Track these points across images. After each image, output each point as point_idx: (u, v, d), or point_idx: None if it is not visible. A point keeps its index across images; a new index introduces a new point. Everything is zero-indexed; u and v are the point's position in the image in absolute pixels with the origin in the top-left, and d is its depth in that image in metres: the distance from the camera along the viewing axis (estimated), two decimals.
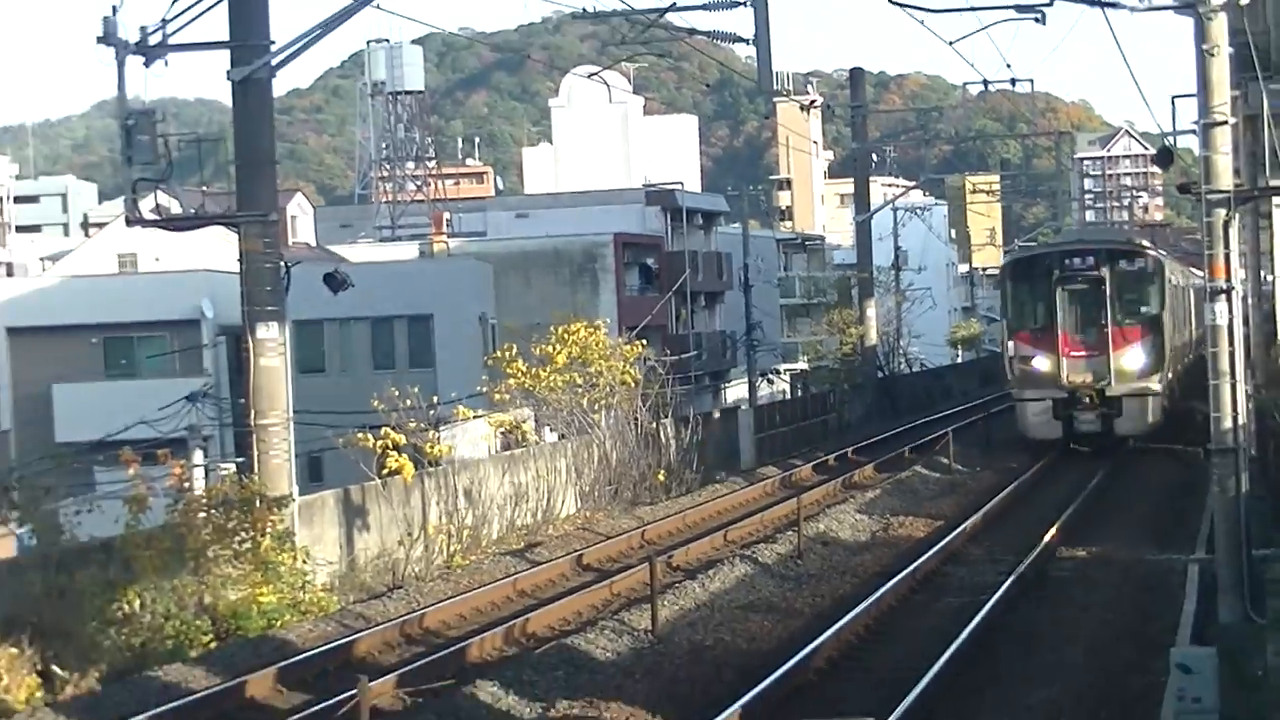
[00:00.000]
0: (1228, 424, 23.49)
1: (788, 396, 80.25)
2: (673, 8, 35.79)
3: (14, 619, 22.65)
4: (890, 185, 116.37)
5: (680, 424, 46.03)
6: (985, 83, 64.06)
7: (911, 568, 28.72)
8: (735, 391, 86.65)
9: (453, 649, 23.58)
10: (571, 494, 40.50)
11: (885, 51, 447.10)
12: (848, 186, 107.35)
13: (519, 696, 20.31)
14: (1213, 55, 23.10)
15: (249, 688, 21.47)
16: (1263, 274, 39.08)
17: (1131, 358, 45.89)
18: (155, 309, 59.71)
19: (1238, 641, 20.88)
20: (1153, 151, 72.73)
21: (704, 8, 34.82)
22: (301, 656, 23.30)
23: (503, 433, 41.60)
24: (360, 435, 33.38)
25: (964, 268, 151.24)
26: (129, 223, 30.03)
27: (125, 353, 60.46)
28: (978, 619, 23.70)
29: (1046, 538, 31.41)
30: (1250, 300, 35.22)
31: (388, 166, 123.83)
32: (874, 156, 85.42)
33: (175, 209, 30.15)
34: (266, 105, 29.27)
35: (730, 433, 52.76)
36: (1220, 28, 23.11)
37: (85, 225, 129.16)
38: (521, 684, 20.79)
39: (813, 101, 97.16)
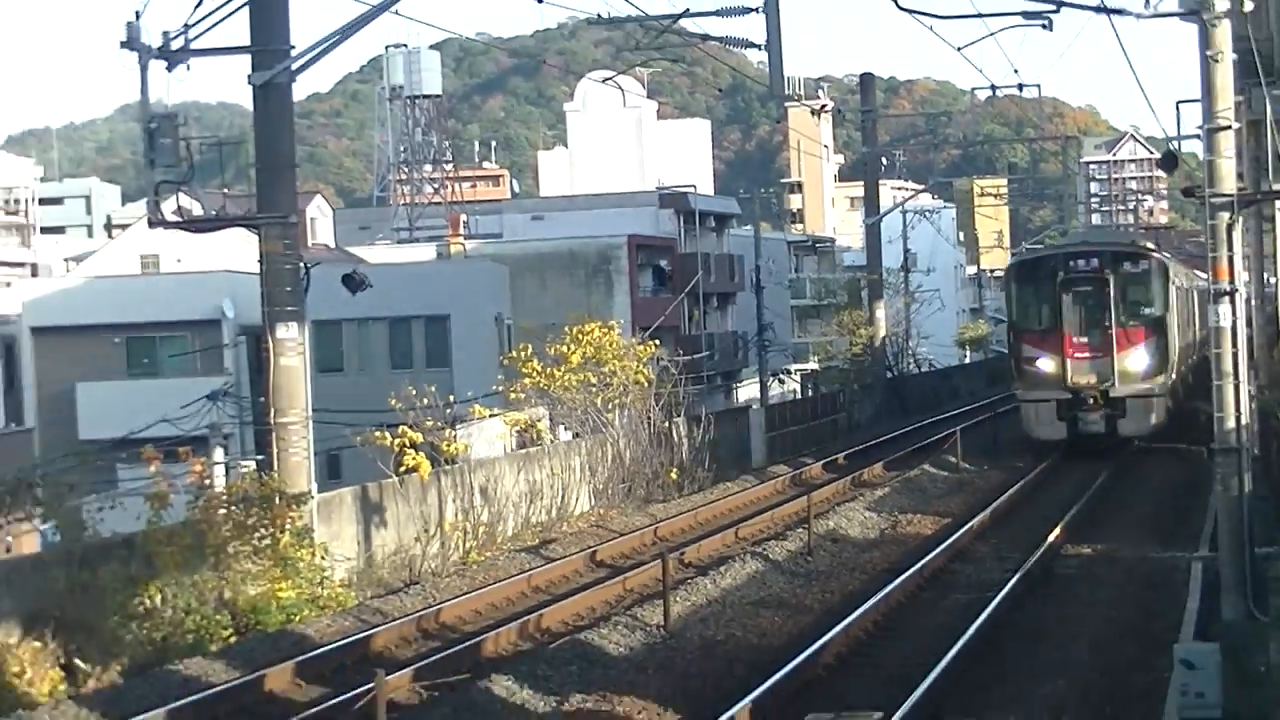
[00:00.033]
0: (1231, 424, 23.54)
1: (798, 396, 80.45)
2: (686, 14, 35.85)
3: (38, 613, 22.79)
4: (900, 188, 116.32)
5: (692, 423, 46.18)
6: (993, 88, 64.56)
7: (919, 565, 28.79)
8: (747, 391, 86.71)
9: (468, 644, 23.67)
10: (585, 491, 40.66)
11: (895, 57, 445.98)
12: (858, 190, 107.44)
13: (533, 690, 20.38)
14: (1217, 61, 23.17)
15: (268, 681, 21.57)
16: (1266, 276, 39.12)
17: (1135, 359, 45.92)
18: (177, 309, 59.93)
19: (1240, 638, 20.94)
20: (1158, 156, 72.97)
21: (717, 14, 34.87)
22: (319, 651, 23.41)
23: (518, 431, 41.67)
24: (378, 434, 33.37)
25: (972, 270, 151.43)
26: (151, 224, 30.09)
27: (147, 352, 60.60)
28: (984, 615, 23.75)
29: (1052, 536, 31.52)
30: (1253, 302, 35.12)
31: (405, 169, 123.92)
32: (884, 160, 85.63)
33: (197, 211, 30.43)
34: (287, 109, 29.36)
35: (742, 432, 52.95)
36: (1224, 34, 23.21)
37: (108, 227, 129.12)
38: (536, 678, 20.88)
39: (823, 106, 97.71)
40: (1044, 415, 46.44)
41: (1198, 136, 24.31)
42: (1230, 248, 23.65)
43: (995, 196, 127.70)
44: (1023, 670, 21.50)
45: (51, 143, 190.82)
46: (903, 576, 27.64)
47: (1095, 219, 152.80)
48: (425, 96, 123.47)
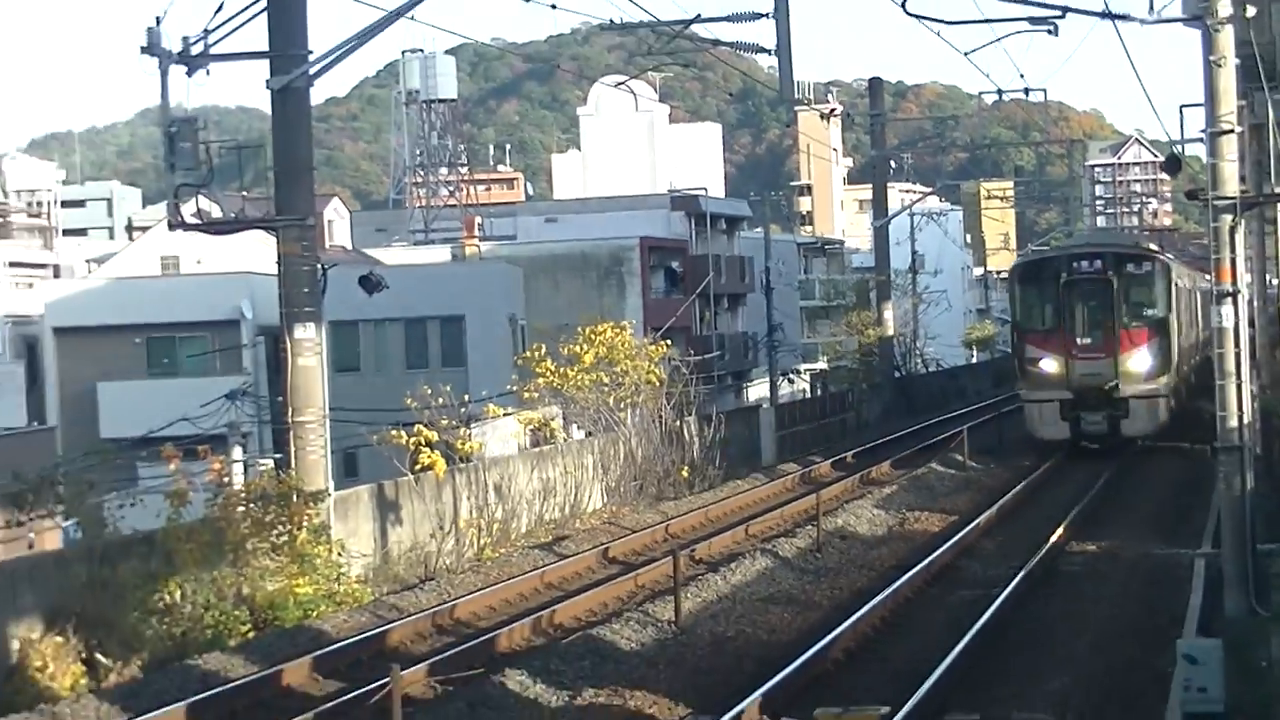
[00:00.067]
0: (1233, 423, 23.78)
1: (808, 395, 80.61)
2: (697, 19, 35.87)
3: (59, 609, 23.00)
4: (908, 191, 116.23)
5: (703, 422, 46.21)
6: (1000, 92, 64.72)
7: (926, 561, 28.92)
8: (757, 391, 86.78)
9: (482, 639, 23.77)
10: (598, 489, 40.82)
11: (903, 62, 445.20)
12: (866, 192, 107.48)
13: (546, 685, 20.53)
14: (1220, 66, 23.42)
15: (285, 676, 21.73)
16: (1268, 278, 39.26)
17: (1139, 359, 45.92)
18: (196, 310, 60.33)
19: (1243, 634, 21.11)
20: (1162, 159, 73.14)
21: (728, 19, 34.75)
22: (336, 646, 23.55)
23: (532, 430, 41.66)
24: (394, 432, 33.56)
25: (978, 271, 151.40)
26: (171, 226, 30.20)
27: (167, 352, 60.91)
28: (990, 612, 23.87)
29: (1056, 533, 31.67)
30: (1255, 303, 35.16)
31: (421, 173, 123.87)
32: (892, 163, 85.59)
33: (216, 213, 30.53)
34: (305, 113, 29.50)
35: (752, 430, 53.08)
36: (1227, 40, 23.47)
37: (129, 229, 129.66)
38: (549, 673, 21.02)
39: (833, 110, 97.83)
40: (1048, 415, 46.46)
41: (1201, 140, 24.55)
42: (1233, 249, 23.90)
43: (1002, 199, 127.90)
44: (1028, 665, 21.59)
45: (74, 146, 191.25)
46: (910, 573, 27.76)
47: (1100, 221, 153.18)
48: (441, 101, 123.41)
